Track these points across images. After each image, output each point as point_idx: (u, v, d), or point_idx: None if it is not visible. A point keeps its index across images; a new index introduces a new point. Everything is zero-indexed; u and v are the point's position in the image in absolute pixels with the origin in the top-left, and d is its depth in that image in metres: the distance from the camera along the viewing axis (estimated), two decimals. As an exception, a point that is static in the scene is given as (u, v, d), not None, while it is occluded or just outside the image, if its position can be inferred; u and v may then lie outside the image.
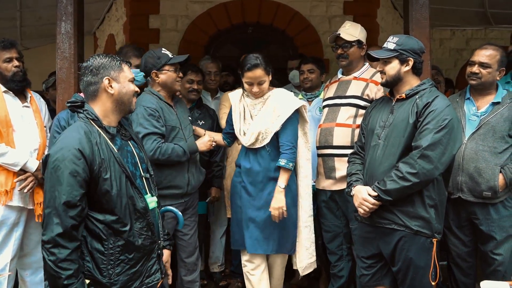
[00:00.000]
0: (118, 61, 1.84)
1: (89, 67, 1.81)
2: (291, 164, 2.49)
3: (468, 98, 2.67)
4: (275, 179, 2.52)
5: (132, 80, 1.86)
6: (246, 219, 2.57)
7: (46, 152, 2.65)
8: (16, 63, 2.63)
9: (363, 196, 2.20)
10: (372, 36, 4.31)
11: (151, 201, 1.85)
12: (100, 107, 1.80)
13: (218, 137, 2.80)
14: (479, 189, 2.51)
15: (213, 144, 2.68)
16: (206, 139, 2.67)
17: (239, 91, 2.71)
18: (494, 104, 2.58)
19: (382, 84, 2.33)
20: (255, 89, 2.54)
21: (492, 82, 2.61)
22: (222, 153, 3.30)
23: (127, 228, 1.72)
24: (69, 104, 1.83)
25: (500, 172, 2.49)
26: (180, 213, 2.05)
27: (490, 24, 5.27)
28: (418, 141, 2.12)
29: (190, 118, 2.78)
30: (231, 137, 2.76)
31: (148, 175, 1.90)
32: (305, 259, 2.62)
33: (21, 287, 2.77)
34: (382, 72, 2.28)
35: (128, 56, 2.87)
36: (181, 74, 2.66)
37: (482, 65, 2.56)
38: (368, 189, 2.21)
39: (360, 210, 2.23)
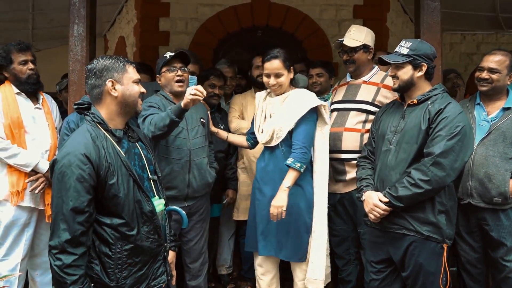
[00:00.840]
0: (121, 62, 1.80)
1: (93, 69, 1.79)
2: (298, 164, 2.40)
3: (478, 104, 2.66)
4: (297, 181, 2.48)
5: (137, 81, 1.82)
6: (260, 220, 2.53)
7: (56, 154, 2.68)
8: (31, 65, 2.67)
9: (374, 202, 2.19)
10: (382, 40, 4.30)
11: (158, 203, 1.84)
12: (105, 110, 1.78)
13: (241, 138, 2.80)
14: (489, 195, 2.49)
15: (191, 93, 2.25)
16: (187, 92, 2.30)
17: (266, 91, 2.71)
18: (505, 109, 2.57)
19: (395, 89, 2.31)
20: (272, 81, 2.51)
21: (502, 87, 2.59)
22: (236, 155, 3.30)
23: (134, 232, 1.71)
24: (76, 106, 1.83)
25: (511, 177, 2.47)
26: (183, 212, 2.01)
27: (501, 29, 5.24)
28: (430, 148, 2.11)
29: (203, 120, 2.69)
30: (255, 138, 2.69)
31: (155, 177, 1.90)
32: (311, 272, 2.49)
33: (31, 287, 2.79)
34: (395, 77, 2.26)
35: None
36: (179, 72, 2.54)
37: (491, 70, 2.55)
38: (379, 194, 2.19)
39: (371, 216, 2.22)
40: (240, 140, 2.79)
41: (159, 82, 2.63)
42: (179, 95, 2.58)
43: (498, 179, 2.47)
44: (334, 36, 4.68)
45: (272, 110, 2.58)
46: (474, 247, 2.62)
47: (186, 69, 2.60)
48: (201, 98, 2.29)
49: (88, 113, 1.79)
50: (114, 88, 1.77)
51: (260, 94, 2.71)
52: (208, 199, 2.78)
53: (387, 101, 2.63)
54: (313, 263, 2.50)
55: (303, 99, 2.51)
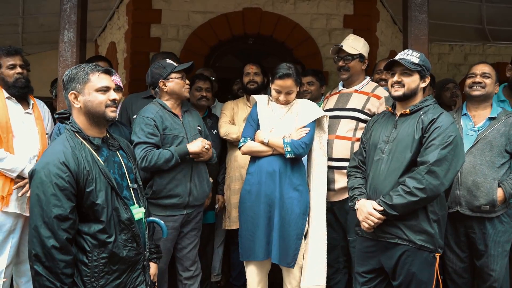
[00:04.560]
0: (85, 71, 1.77)
1: (63, 81, 1.80)
2: (288, 148, 2.46)
3: (465, 114, 2.71)
4: (293, 188, 2.51)
5: (104, 89, 1.77)
6: (262, 224, 2.50)
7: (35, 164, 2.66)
8: (19, 70, 2.66)
9: (369, 211, 2.18)
10: (371, 50, 4.34)
11: (137, 212, 1.83)
12: (78, 120, 1.78)
13: (280, 140, 2.61)
14: (477, 203, 2.52)
15: (205, 146, 2.59)
16: (199, 141, 2.59)
17: (264, 95, 2.72)
18: (491, 119, 2.62)
19: (398, 96, 2.26)
20: (282, 98, 2.57)
21: (491, 94, 2.65)
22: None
23: (112, 239, 1.71)
24: (58, 116, 1.84)
25: (499, 186, 2.51)
26: (162, 222, 2.02)
27: (487, 40, 5.34)
28: (424, 156, 2.12)
29: (200, 128, 2.74)
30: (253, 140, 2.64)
31: (136, 186, 1.89)
32: (311, 279, 2.52)
33: (15, 294, 2.76)
34: (400, 83, 2.24)
35: (157, 60, 2.93)
36: (188, 82, 2.68)
37: (485, 74, 2.61)
38: (373, 203, 2.19)
39: (365, 225, 2.21)
40: (280, 142, 2.55)
41: (164, 87, 2.62)
42: (179, 101, 2.67)
43: (486, 187, 2.51)
44: (324, 45, 4.73)
45: (278, 116, 2.61)
46: (461, 257, 2.65)
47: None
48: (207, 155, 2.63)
49: (68, 122, 1.79)
50: (77, 99, 1.77)
51: (261, 99, 2.69)
52: (202, 207, 2.79)
53: (375, 109, 2.67)
54: (313, 269, 2.52)
55: (309, 110, 2.59)
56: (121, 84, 2.58)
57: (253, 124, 2.64)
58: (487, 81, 2.60)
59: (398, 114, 2.29)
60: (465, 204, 2.55)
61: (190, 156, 2.57)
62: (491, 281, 2.54)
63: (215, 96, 3.74)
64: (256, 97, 2.72)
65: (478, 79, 2.61)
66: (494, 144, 2.55)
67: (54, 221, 1.60)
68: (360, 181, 2.36)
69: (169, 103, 2.64)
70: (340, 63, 2.76)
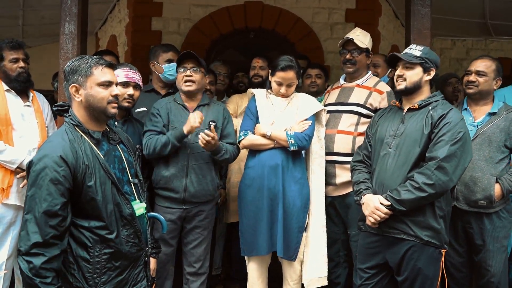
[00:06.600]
0: (88, 64, 1.72)
1: (64, 72, 1.75)
2: (292, 141, 2.46)
3: (465, 109, 2.70)
4: (295, 181, 2.51)
5: (106, 84, 1.73)
6: (265, 218, 2.50)
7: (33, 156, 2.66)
8: (21, 64, 2.66)
9: (376, 205, 2.16)
10: (373, 44, 4.34)
11: (139, 207, 1.80)
12: (77, 113, 1.74)
13: (283, 133, 2.59)
14: (474, 198, 2.52)
15: (197, 117, 2.41)
16: (191, 115, 2.44)
17: (262, 89, 2.72)
18: (491, 114, 2.62)
19: (400, 90, 2.27)
20: (283, 90, 2.56)
21: (489, 91, 2.64)
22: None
23: (114, 235, 1.67)
24: (56, 108, 1.80)
25: (497, 182, 2.51)
26: (162, 217, 2.00)
27: (490, 35, 5.32)
28: (433, 152, 2.11)
29: (213, 123, 2.59)
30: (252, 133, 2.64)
31: (136, 181, 1.85)
32: (312, 271, 2.54)
33: (17, 287, 2.76)
34: (402, 77, 2.25)
35: (157, 53, 2.95)
36: (188, 73, 2.54)
37: (478, 73, 2.60)
38: (380, 198, 2.17)
39: (370, 219, 2.19)
40: (283, 135, 2.55)
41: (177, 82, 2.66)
42: (188, 94, 2.62)
43: (484, 183, 2.51)
44: (326, 39, 4.71)
45: (278, 109, 2.60)
46: (459, 252, 2.65)
47: (198, 69, 2.58)
48: (212, 142, 2.42)
49: (67, 115, 1.75)
50: (78, 93, 1.72)
51: (260, 92, 2.68)
52: (213, 207, 2.73)
53: (376, 103, 2.67)
54: (314, 262, 2.53)
55: (309, 103, 2.60)
56: (140, 83, 2.54)
57: (252, 117, 2.62)
58: (481, 79, 2.59)
59: (406, 108, 2.28)
60: (463, 199, 2.56)
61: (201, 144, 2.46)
62: (488, 276, 2.55)
63: (226, 92, 3.68)
64: (254, 90, 2.72)
65: (472, 77, 2.61)
66: (493, 139, 2.54)
67: (42, 216, 1.55)
68: (365, 175, 2.34)
69: (182, 96, 2.64)
70: (348, 56, 2.73)
